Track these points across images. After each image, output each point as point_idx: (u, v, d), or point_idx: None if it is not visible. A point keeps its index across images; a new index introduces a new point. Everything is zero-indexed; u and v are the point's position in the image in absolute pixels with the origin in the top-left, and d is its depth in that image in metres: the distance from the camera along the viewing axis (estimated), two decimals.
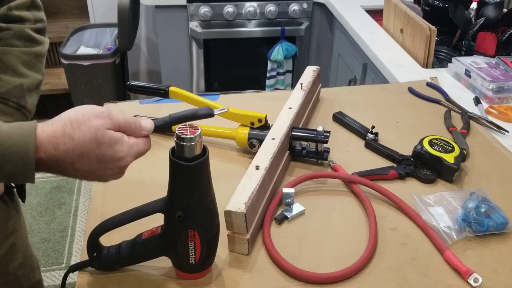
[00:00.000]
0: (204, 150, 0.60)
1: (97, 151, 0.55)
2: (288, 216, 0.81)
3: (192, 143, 0.58)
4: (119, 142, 0.57)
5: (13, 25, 0.80)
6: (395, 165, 0.95)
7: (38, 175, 0.57)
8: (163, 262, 0.70)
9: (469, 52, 1.59)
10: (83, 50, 2.63)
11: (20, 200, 0.93)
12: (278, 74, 2.45)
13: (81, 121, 0.55)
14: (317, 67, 1.19)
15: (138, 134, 0.60)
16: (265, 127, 0.96)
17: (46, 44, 0.86)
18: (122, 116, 0.59)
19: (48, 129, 0.55)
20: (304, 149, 0.95)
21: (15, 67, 0.79)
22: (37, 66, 0.83)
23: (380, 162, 0.96)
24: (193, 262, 0.67)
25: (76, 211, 2.31)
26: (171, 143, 0.62)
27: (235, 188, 0.76)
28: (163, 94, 0.99)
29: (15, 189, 0.91)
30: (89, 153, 0.55)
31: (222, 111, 0.66)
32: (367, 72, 1.72)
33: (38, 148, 0.54)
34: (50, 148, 0.54)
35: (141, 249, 0.68)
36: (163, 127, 0.63)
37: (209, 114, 0.64)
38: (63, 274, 0.95)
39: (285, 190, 0.84)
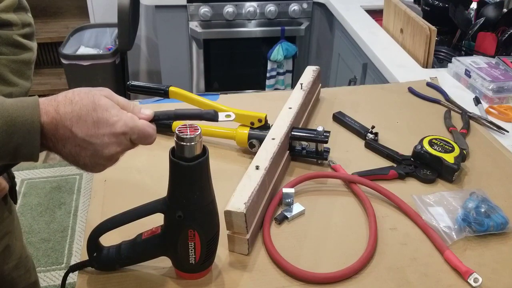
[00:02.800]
0: (204, 150, 0.61)
1: (93, 113, 0.57)
2: (288, 216, 0.81)
3: (192, 143, 0.58)
4: (114, 107, 0.59)
5: (0, 31, 0.77)
6: (395, 165, 0.95)
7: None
8: (163, 262, 0.70)
9: (469, 52, 1.59)
10: (83, 50, 2.63)
11: (12, 202, 0.93)
12: (278, 74, 2.45)
13: (82, 90, 0.59)
14: (317, 67, 1.19)
15: (137, 114, 0.61)
16: (265, 127, 0.96)
17: (35, 50, 0.83)
18: (122, 98, 0.62)
19: (50, 97, 0.58)
20: (304, 149, 0.95)
21: (4, 76, 0.76)
22: (26, 74, 0.80)
23: (380, 162, 0.96)
24: (193, 262, 0.67)
25: (76, 211, 2.31)
26: (171, 143, 0.62)
27: (235, 188, 0.76)
28: (163, 94, 0.99)
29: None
30: (86, 115, 0.57)
31: (227, 119, 0.66)
32: (367, 72, 1.72)
33: (42, 110, 0.56)
34: (52, 111, 0.57)
35: (141, 249, 0.68)
36: (165, 120, 0.64)
37: (213, 118, 0.64)
38: (63, 274, 0.95)
39: (285, 190, 0.84)
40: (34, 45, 0.83)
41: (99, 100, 0.58)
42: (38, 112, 0.56)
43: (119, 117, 0.58)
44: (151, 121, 0.62)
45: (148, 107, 0.65)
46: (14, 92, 0.77)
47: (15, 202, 0.93)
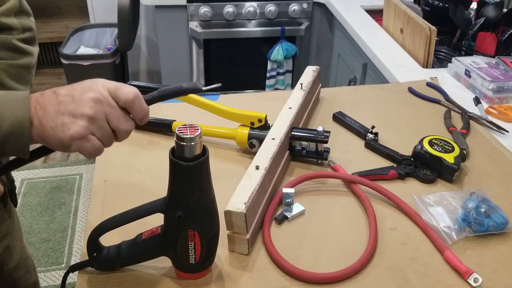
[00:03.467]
0: (204, 150, 0.61)
1: (80, 82, 0.59)
2: (288, 216, 0.81)
3: (192, 143, 0.58)
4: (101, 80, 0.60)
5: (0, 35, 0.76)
6: (395, 165, 0.95)
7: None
8: (163, 262, 0.70)
9: (469, 52, 1.59)
10: (83, 50, 2.63)
11: (12, 205, 0.92)
12: (278, 74, 2.45)
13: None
14: (317, 67, 1.19)
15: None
16: (265, 127, 0.96)
17: (35, 54, 0.82)
18: None
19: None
20: (304, 149, 0.95)
21: (2, 81, 0.75)
22: (26, 78, 0.79)
23: (380, 162, 0.96)
24: (193, 262, 0.67)
25: (76, 211, 2.31)
26: (171, 143, 0.62)
27: (235, 188, 0.76)
28: None
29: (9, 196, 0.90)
30: (71, 85, 0.59)
31: (213, 86, 0.64)
32: (367, 72, 1.72)
33: (31, 96, 0.57)
34: (37, 95, 0.58)
35: (141, 249, 0.68)
36: (150, 102, 0.63)
37: (196, 89, 0.62)
38: (63, 274, 0.95)
39: (285, 190, 0.84)
40: (34, 49, 0.82)
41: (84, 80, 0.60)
42: (28, 94, 0.57)
43: (105, 81, 0.59)
44: None
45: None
46: None
47: (15, 205, 0.92)
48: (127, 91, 0.59)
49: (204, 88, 0.62)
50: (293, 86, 2.50)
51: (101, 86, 0.58)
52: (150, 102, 0.62)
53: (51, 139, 0.57)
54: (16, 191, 0.91)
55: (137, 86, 0.99)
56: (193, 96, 0.98)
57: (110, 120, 0.58)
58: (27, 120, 0.56)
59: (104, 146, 0.59)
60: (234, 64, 2.56)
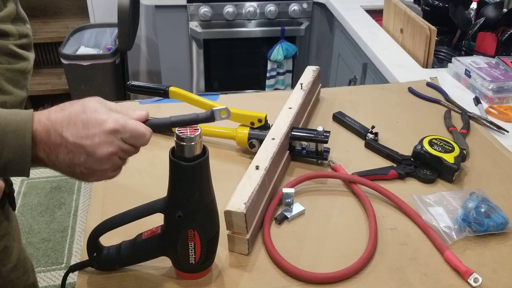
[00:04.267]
0: (204, 150, 0.61)
1: (82, 115, 0.57)
2: (288, 216, 0.81)
3: (192, 143, 0.58)
4: (104, 108, 0.59)
5: None
6: (395, 165, 0.95)
7: (38, 175, 0.57)
8: (163, 262, 0.70)
9: (469, 52, 1.59)
10: (83, 50, 2.63)
11: (11, 208, 0.92)
12: (278, 74, 2.45)
13: (74, 100, 0.59)
14: (317, 67, 1.19)
15: (129, 115, 0.61)
16: (265, 127, 0.96)
17: (31, 60, 0.82)
18: (114, 103, 0.61)
19: (44, 109, 0.59)
20: (304, 149, 0.95)
21: None
22: (22, 83, 0.79)
23: (380, 162, 0.96)
24: (193, 262, 0.67)
25: (76, 211, 2.31)
26: (171, 143, 0.62)
27: (235, 188, 0.76)
28: (163, 94, 0.99)
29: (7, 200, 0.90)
30: (75, 118, 0.57)
31: (223, 117, 0.65)
32: (367, 72, 1.72)
33: (35, 119, 0.57)
34: (43, 119, 0.57)
35: (141, 249, 0.68)
36: (161, 128, 0.63)
37: (210, 119, 0.63)
38: (63, 274, 0.95)
39: (285, 190, 0.84)
40: (30, 55, 0.83)
41: (89, 103, 0.58)
42: (31, 119, 0.56)
43: (109, 115, 0.58)
44: (145, 122, 0.61)
45: (148, 107, 0.65)
46: (9, 101, 0.76)
47: (14, 209, 0.92)
48: (144, 140, 0.61)
49: (216, 120, 0.63)
50: (293, 86, 2.50)
51: (111, 136, 0.57)
52: (159, 126, 0.62)
53: (72, 177, 0.61)
54: (15, 192, 0.91)
55: (137, 86, 1.01)
56: (193, 96, 0.98)
57: (124, 157, 0.62)
58: (29, 148, 0.56)
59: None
60: (234, 64, 2.56)
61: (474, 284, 0.69)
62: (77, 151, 0.57)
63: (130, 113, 0.61)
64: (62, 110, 0.57)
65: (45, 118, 0.57)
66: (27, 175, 0.58)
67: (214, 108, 0.63)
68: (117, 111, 0.60)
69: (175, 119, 0.62)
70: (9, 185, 0.88)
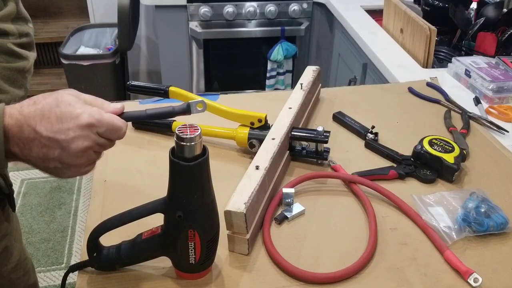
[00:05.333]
0: (204, 150, 0.61)
1: (56, 109, 0.56)
2: (288, 216, 0.81)
3: (192, 143, 0.58)
4: (78, 101, 0.58)
5: None
6: (395, 165, 0.95)
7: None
8: (163, 262, 0.70)
9: (469, 52, 1.59)
10: (83, 50, 2.63)
11: (11, 210, 0.91)
12: (278, 74, 2.45)
13: (46, 93, 0.58)
14: (317, 67, 1.19)
15: (105, 108, 0.60)
16: (265, 127, 0.96)
17: (31, 59, 0.82)
18: (89, 96, 0.61)
19: (17, 102, 0.58)
20: (304, 149, 0.95)
21: None
22: (20, 82, 0.79)
23: (380, 162, 0.96)
24: (193, 262, 0.67)
25: (76, 211, 2.31)
26: (171, 143, 0.62)
27: (235, 188, 0.76)
28: (163, 94, 0.99)
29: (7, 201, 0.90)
30: (49, 112, 0.56)
31: (199, 110, 0.64)
32: (367, 72, 1.72)
33: (6, 113, 0.56)
34: (15, 113, 0.56)
35: (141, 249, 0.68)
36: (136, 120, 0.63)
37: (185, 112, 0.63)
38: (63, 274, 0.95)
39: (285, 190, 0.84)
40: (30, 54, 0.82)
41: (62, 96, 0.57)
42: (2, 113, 0.55)
43: (83, 109, 0.57)
44: (120, 115, 0.61)
45: (148, 107, 0.65)
46: (4, 99, 0.75)
47: (13, 210, 0.91)
48: (120, 134, 0.60)
49: (192, 113, 0.62)
50: (293, 86, 2.50)
51: (86, 130, 0.56)
52: (135, 118, 0.62)
53: (47, 173, 0.59)
54: (15, 192, 0.91)
55: (137, 86, 1.00)
56: (192, 96, 0.98)
57: (99, 151, 0.60)
58: (1, 143, 0.55)
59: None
60: (234, 64, 2.56)
61: (474, 284, 0.69)
62: (51, 146, 0.56)
63: (105, 106, 0.60)
64: (35, 104, 0.56)
65: (17, 112, 0.56)
66: (2, 170, 0.57)
67: (190, 101, 0.62)
68: (91, 104, 0.59)
69: (151, 112, 0.62)
70: (8, 186, 0.87)
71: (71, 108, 0.56)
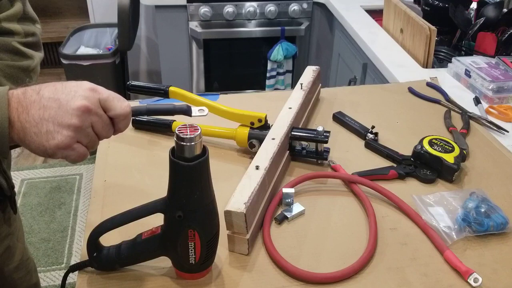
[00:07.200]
0: (204, 150, 0.60)
1: (62, 82, 0.58)
2: (288, 216, 0.81)
3: (192, 143, 0.58)
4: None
5: (0, 38, 0.76)
6: (395, 165, 0.95)
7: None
8: (163, 262, 0.70)
9: (469, 52, 1.59)
10: (83, 50, 2.63)
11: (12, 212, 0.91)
12: (278, 74, 2.45)
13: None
14: (317, 67, 1.19)
15: None
16: (265, 127, 0.96)
17: (37, 59, 0.82)
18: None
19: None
20: (304, 149, 0.95)
21: None
22: (23, 81, 0.79)
23: (380, 162, 0.96)
24: (193, 262, 0.67)
25: (76, 211, 2.31)
26: (171, 143, 0.62)
27: (235, 188, 0.76)
28: (163, 94, 0.99)
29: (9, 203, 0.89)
30: (54, 83, 0.58)
31: (200, 115, 0.65)
32: (367, 72, 1.72)
33: (10, 91, 0.57)
34: (19, 93, 0.57)
35: (141, 249, 0.68)
36: (137, 114, 0.64)
37: (186, 113, 0.64)
38: (63, 274, 0.95)
39: (285, 190, 0.84)
40: (36, 54, 0.82)
41: (67, 81, 0.59)
42: (7, 92, 0.56)
43: (86, 82, 0.59)
44: None
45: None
46: None
47: (15, 212, 0.90)
48: (124, 105, 0.60)
49: (192, 115, 0.63)
50: (293, 86, 2.50)
51: (89, 92, 0.57)
52: (136, 113, 0.63)
53: (34, 145, 0.56)
54: (16, 195, 0.90)
55: (137, 86, 1.00)
56: (192, 95, 0.98)
57: (95, 127, 0.59)
58: (6, 119, 0.55)
59: (88, 150, 0.60)
60: (234, 64, 2.56)
61: (474, 284, 0.69)
62: (50, 106, 0.56)
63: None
64: (41, 85, 0.58)
65: (21, 92, 0.57)
66: (6, 153, 0.57)
67: (193, 107, 0.63)
68: None
69: (151, 107, 0.63)
70: (10, 187, 0.87)
71: (76, 82, 0.58)
